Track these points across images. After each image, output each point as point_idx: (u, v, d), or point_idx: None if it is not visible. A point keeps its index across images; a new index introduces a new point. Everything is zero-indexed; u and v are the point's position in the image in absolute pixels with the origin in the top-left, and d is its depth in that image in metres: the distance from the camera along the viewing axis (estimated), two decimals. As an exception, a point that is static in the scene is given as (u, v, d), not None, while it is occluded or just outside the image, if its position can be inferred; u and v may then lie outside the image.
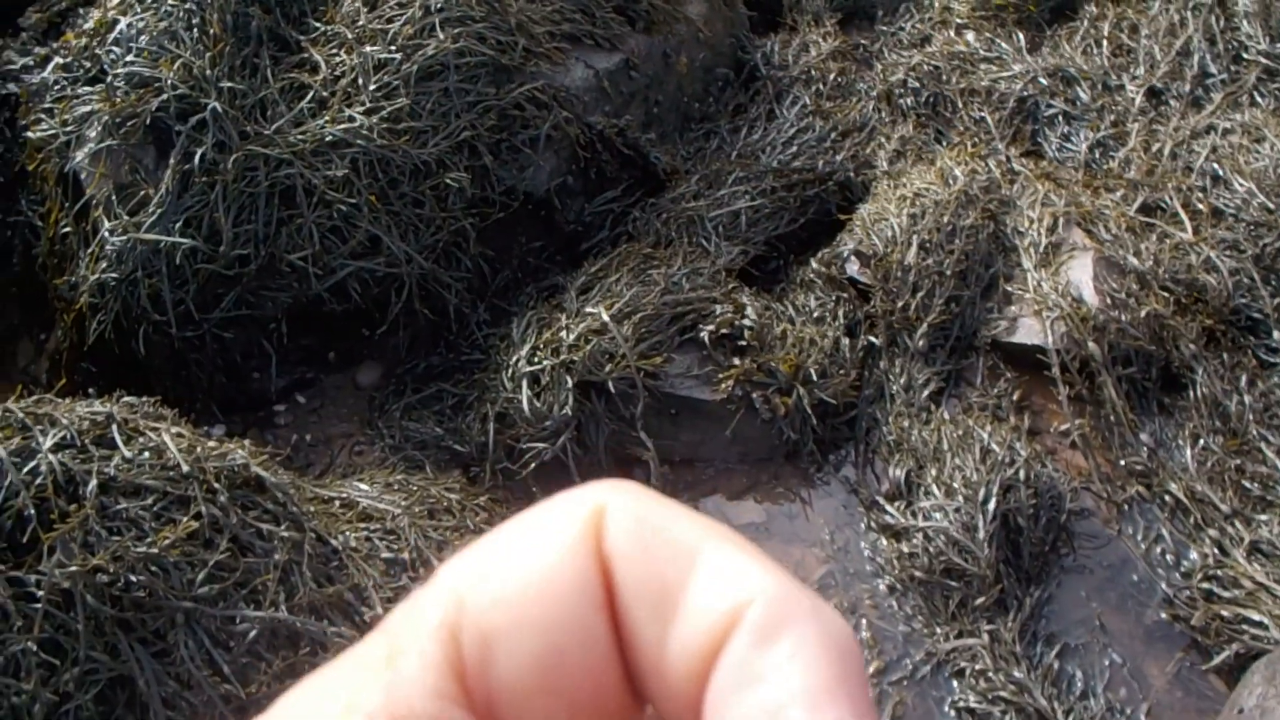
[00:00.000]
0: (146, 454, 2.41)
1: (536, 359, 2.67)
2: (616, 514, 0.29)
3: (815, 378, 2.63)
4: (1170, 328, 2.61)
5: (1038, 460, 2.50)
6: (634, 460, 2.67)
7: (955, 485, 2.44)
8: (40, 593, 2.18)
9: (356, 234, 2.82)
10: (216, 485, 2.40)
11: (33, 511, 2.25)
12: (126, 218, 2.82)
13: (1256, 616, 2.21)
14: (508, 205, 2.94)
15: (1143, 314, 2.61)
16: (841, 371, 2.67)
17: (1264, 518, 2.37)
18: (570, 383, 2.60)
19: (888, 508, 2.51)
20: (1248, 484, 2.44)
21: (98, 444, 2.39)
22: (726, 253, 2.87)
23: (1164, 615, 2.35)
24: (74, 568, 2.23)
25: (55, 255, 3.08)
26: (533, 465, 2.61)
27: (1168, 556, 2.42)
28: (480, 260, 2.96)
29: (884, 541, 2.50)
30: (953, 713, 2.25)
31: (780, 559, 2.54)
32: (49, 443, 2.32)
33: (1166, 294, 2.66)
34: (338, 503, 2.60)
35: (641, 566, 0.28)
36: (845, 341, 2.71)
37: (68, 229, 2.99)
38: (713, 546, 0.28)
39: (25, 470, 2.27)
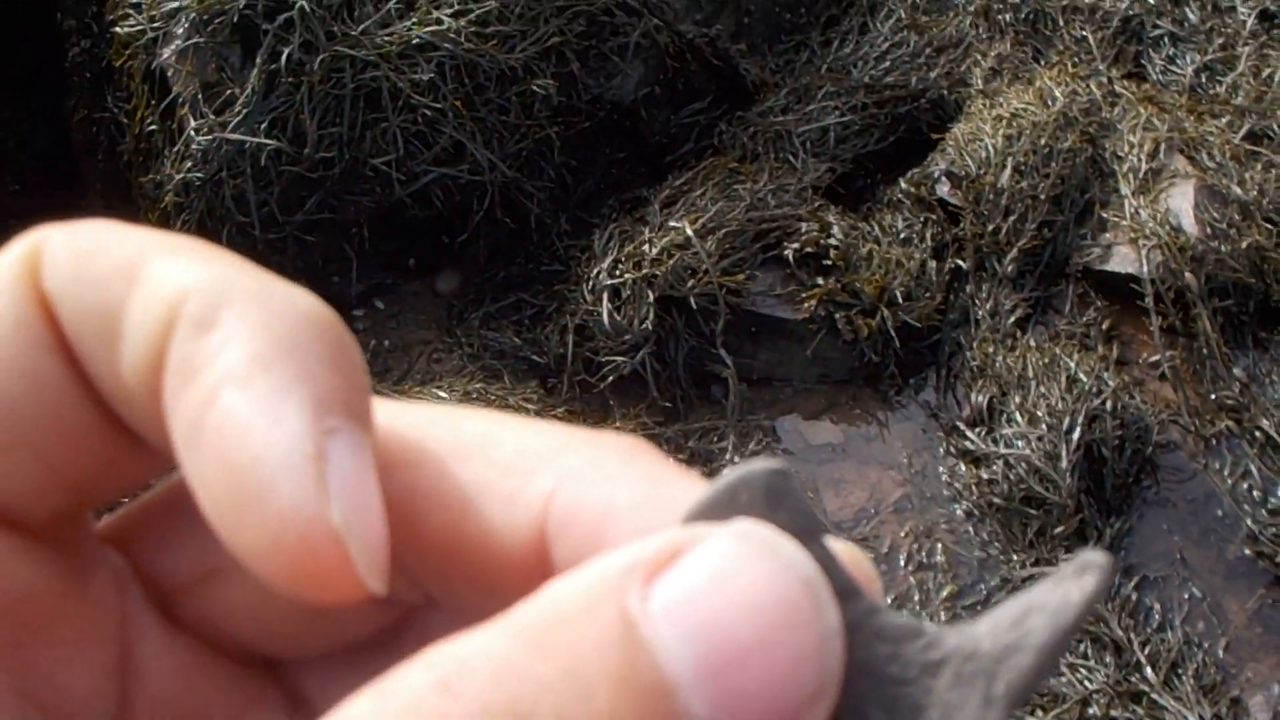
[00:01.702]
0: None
1: (618, 272, 2.65)
2: (52, 248, 0.26)
3: (900, 300, 2.59)
4: (1272, 260, 2.53)
5: (1125, 391, 2.45)
6: (713, 377, 2.66)
7: (1039, 413, 2.40)
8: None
9: (440, 140, 2.80)
10: (300, 386, 2.43)
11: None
12: (212, 117, 2.83)
13: (1346, 558, 2.17)
14: (593, 114, 2.91)
15: (1244, 245, 2.53)
16: (927, 294, 2.63)
17: (1359, 458, 2.31)
18: (651, 297, 2.59)
19: (968, 433, 2.48)
20: (1343, 423, 2.38)
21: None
22: (813, 170, 2.81)
23: (1247, 551, 2.32)
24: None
25: (140, 153, 3.10)
26: (610, 379, 2.61)
27: (1254, 493, 2.37)
28: (564, 170, 2.93)
29: (962, 467, 2.47)
30: (1028, 640, 2.24)
31: (856, 480, 2.54)
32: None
33: (1270, 225, 2.57)
34: (418, 408, 2.62)
35: (80, 294, 0.26)
36: (932, 264, 2.66)
37: (153, 127, 3.01)
38: (154, 255, 0.26)
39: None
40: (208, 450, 0.24)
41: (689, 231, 2.63)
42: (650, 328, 2.58)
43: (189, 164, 2.86)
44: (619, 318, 2.61)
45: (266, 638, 0.31)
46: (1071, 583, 0.23)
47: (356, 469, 0.24)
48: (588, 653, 0.21)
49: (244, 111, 2.81)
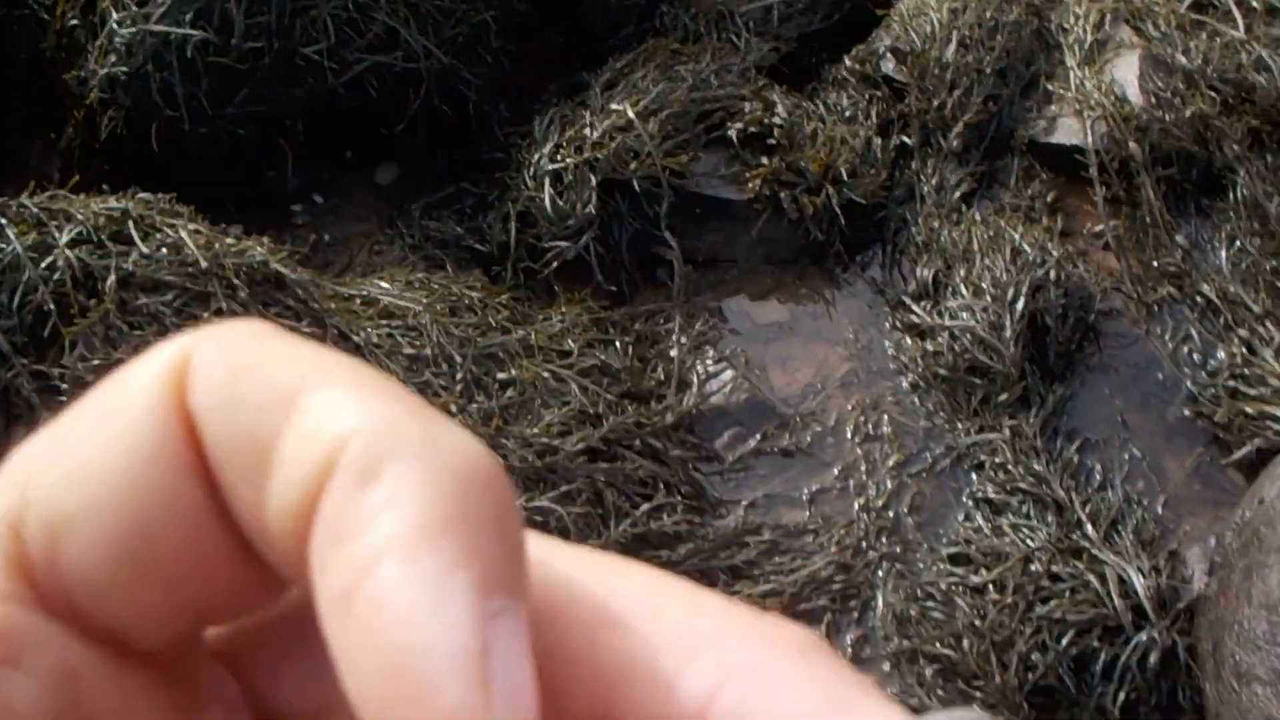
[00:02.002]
0: (164, 250, 2.38)
1: (559, 157, 2.61)
2: (203, 362, 0.24)
3: (845, 177, 2.58)
4: (1215, 128, 2.54)
5: (1069, 261, 2.46)
6: (657, 260, 2.64)
7: (984, 285, 2.41)
8: (64, 385, 2.18)
9: (373, 27, 2.73)
10: (236, 281, 2.38)
11: (52, 307, 2.24)
12: (135, 8, 2.73)
13: (1282, 414, 2.21)
14: (529, -3, 2.84)
15: (1188, 114, 2.53)
16: (872, 171, 2.61)
17: (1296, 319, 2.34)
18: (594, 181, 2.55)
19: (914, 307, 2.48)
20: (1281, 285, 2.41)
21: (114, 240, 2.36)
22: (757, 49, 2.77)
23: (1186, 412, 2.35)
24: (96, 361, 2.23)
25: (63, 50, 3.00)
26: (555, 264, 2.58)
27: (1194, 356, 2.40)
28: (502, 56, 2.87)
29: (908, 340, 2.48)
30: (970, 503, 2.28)
31: (803, 357, 2.54)
32: (65, 238, 2.29)
33: (1214, 94, 2.57)
34: (358, 300, 2.59)
35: (230, 418, 0.24)
36: (877, 141, 2.65)
37: (74, 21, 2.90)
38: (316, 385, 0.23)
39: (43, 265, 2.25)
40: (360, 627, 0.22)
41: (631, 114, 2.59)
42: (593, 212, 2.55)
43: (113, 58, 2.77)
44: (561, 203, 2.58)
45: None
46: None
47: (518, 661, 0.22)
48: None
49: (168, 2, 2.72)
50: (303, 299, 2.47)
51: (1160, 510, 2.26)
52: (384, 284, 2.63)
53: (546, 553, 0.25)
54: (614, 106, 2.61)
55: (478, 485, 0.23)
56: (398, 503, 0.22)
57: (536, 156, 2.65)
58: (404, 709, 0.21)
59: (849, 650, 2.18)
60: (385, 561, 0.21)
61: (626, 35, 2.89)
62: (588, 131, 2.60)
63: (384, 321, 2.54)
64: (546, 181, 2.60)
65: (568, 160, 2.60)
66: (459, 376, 2.43)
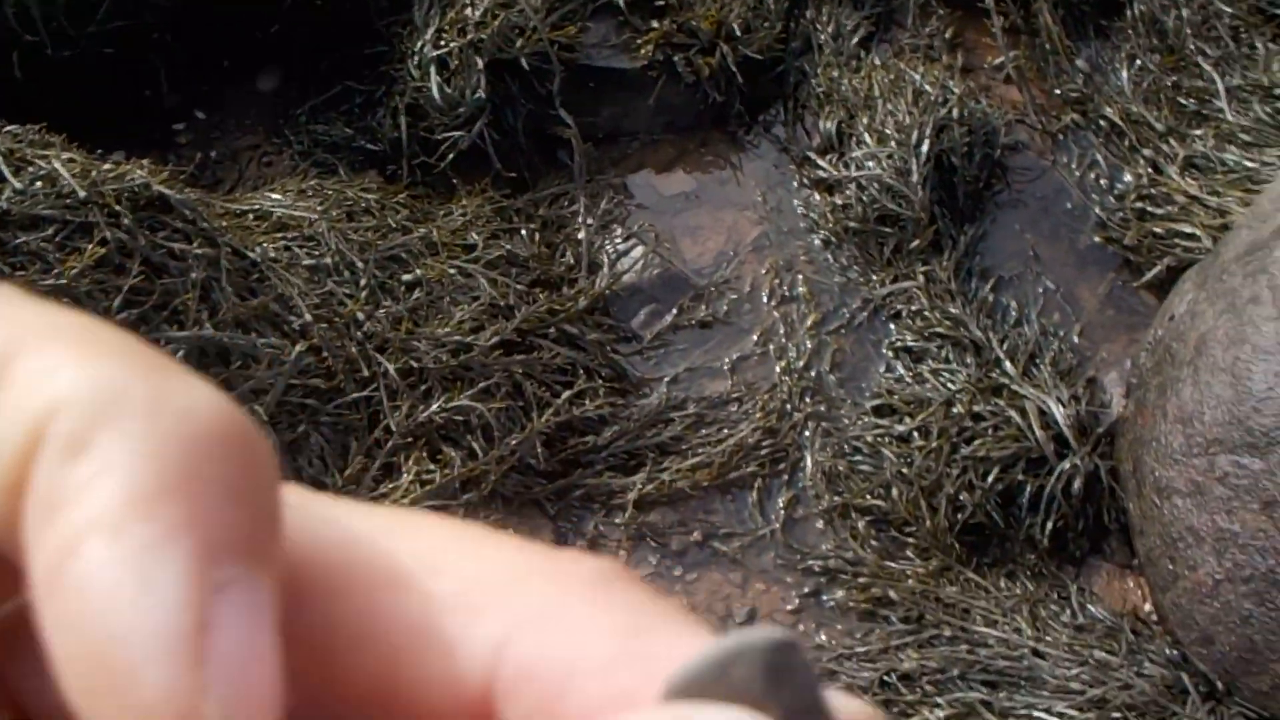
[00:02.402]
0: (39, 183, 2.28)
1: (442, 41, 2.51)
2: None
3: (739, 33, 2.50)
4: (1105, -56, 2.48)
5: (971, 97, 2.42)
6: (556, 140, 2.56)
7: (887, 131, 2.36)
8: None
9: (230, -76, 2.58)
10: (118, 208, 2.29)
11: (-74, 250, 2.14)
12: (-25, -72, 2.57)
13: (1189, 229, 2.20)
14: (392, -124, 2.69)
15: (1077, -68, 2.47)
16: (766, 24, 2.53)
17: (1198, 132, 2.32)
18: (480, 64, 2.46)
19: (820, 162, 2.44)
20: (1183, 100, 2.38)
21: (-14, 177, 2.25)
22: (635, -91, 2.66)
23: (1096, 239, 2.34)
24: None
25: (-90, -18, 2.83)
26: (450, 156, 2.50)
27: (1101, 181, 2.38)
28: (371, -58, 2.74)
29: (817, 196, 2.44)
30: (890, 353, 2.26)
31: (713, 225, 2.49)
32: (-70, 178, 2.19)
33: (1101, -92, 2.51)
34: (251, 215, 2.50)
35: None
36: (766, -7, 2.56)
37: (-84, -50, 2.73)
38: (31, 344, 0.21)
39: (-91, 208, 2.15)
40: (64, 613, 0.19)
41: (510, -12, 2.48)
42: (484, 96, 2.46)
43: (-40, -15, 2.61)
44: (450, 90, 2.48)
45: None
46: None
47: (249, 637, 0.19)
48: None
49: (10, -81, 2.56)
50: (191, 219, 2.38)
51: (1076, 339, 2.26)
52: (276, 195, 2.54)
53: (326, 513, 0.24)
54: (492, -17, 2.50)
55: (209, 445, 0.21)
56: (108, 472, 0.19)
57: (419, 44, 2.55)
58: (105, 701, 0.19)
59: (781, 512, 2.18)
60: (89, 539, 0.19)
61: (501, -93, 2.76)
62: (469, 11, 2.50)
63: (279, 234, 2.46)
64: (432, 70, 2.50)
65: (451, 44, 2.50)
66: (362, 283, 2.37)
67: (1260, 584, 1.76)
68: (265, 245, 2.41)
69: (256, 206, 2.50)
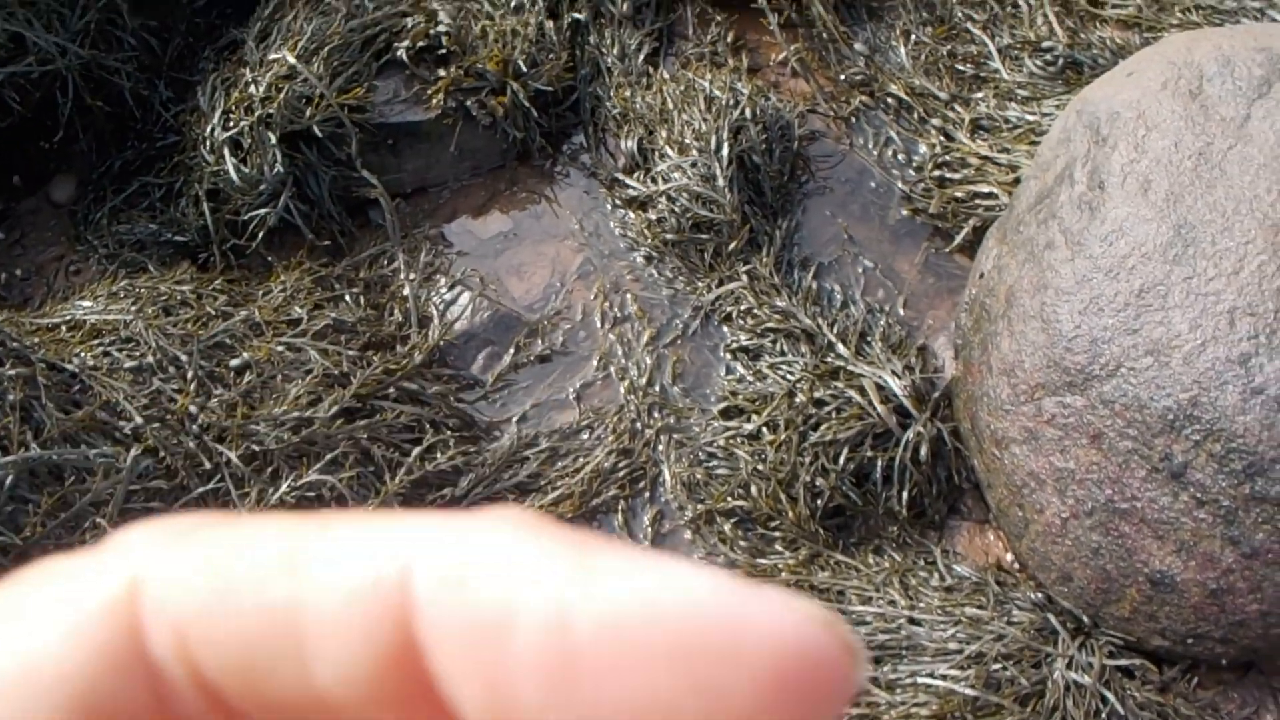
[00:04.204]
0: None
1: (231, 122, 2.47)
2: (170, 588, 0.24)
3: (526, 69, 2.51)
4: (862, -70, 2.57)
5: (761, 95, 2.47)
6: (366, 202, 2.54)
7: (687, 141, 2.40)
8: None
9: (-8, 36, 2.50)
10: (-80, 342, 2.20)
11: None
12: None
13: (986, 189, 2.28)
14: (153, -35, 2.65)
15: (833, -78, 2.55)
16: (551, 56, 2.55)
17: (979, 95, 2.41)
18: (273, 138, 2.42)
19: (628, 181, 2.46)
20: (961, 67, 2.47)
21: None
22: (405, -38, 2.65)
23: (905, 212, 2.41)
24: None
25: None
26: (260, 234, 2.46)
27: (899, 156, 2.45)
28: (144, 34, 2.68)
29: (631, 215, 2.46)
30: (728, 355, 2.29)
31: (536, 260, 2.49)
32: None
33: (852, -103, 2.59)
34: (64, 326, 2.42)
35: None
36: (549, 24, 2.58)
37: None
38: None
39: None
40: None
41: (291, 59, 2.45)
42: (282, 170, 2.43)
43: None
44: (247, 169, 2.44)
45: None
46: None
47: None
48: None
49: None
50: (0, 340, 2.29)
51: (902, 311, 2.32)
52: (87, 303, 2.46)
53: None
54: (272, 56, 2.47)
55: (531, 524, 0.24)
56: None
57: (209, 129, 2.50)
58: None
59: (649, 529, 2.18)
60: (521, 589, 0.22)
61: (270, -20, 2.73)
62: (253, 89, 2.46)
63: (96, 341, 2.38)
64: (226, 152, 2.46)
65: (241, 124, 2.45)
66: (190, 375, 2.31)
67: (1102, 515, 1.82)
68: (83, 354, 2.33)
69: (68, 317, 2.42)
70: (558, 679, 0.21)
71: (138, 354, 2.35)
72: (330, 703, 0.23)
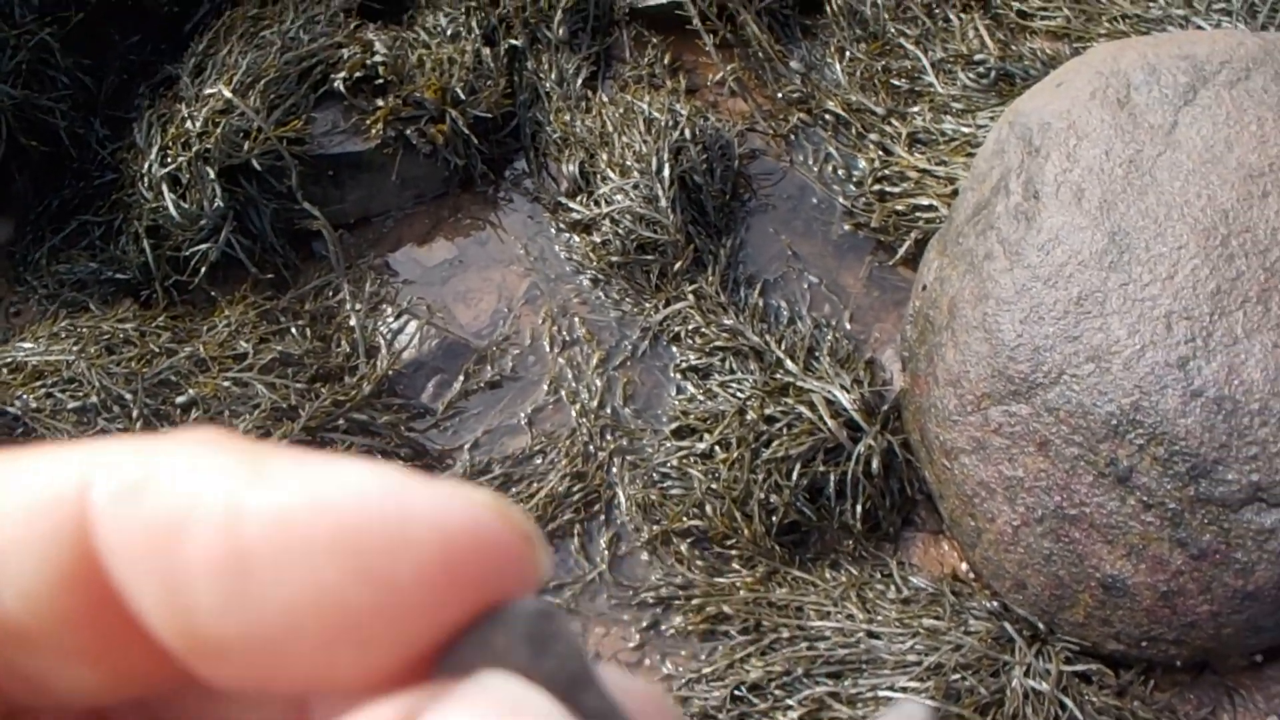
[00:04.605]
0: None
1: (169, 159, 2.44)
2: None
3: (465, 96, 2.51)
4: (793, -50, 2.59)
5: (700, 115, 2.48)
6: (309, 234, 2.52)
7: (629, 163, 2.40)
8: None
9: (-80, 79, 2.46)
10: None
11: None
12: None
13: (926, 201, 2.31)
14: (84, 2, 2.62)
15: (764, -58, 2.57)
16: (489, 83, 2.55)
17: (915, 109, 2.44)
18: (212, 173, 2.40)
19: (571, 204, 2.46)
20: (896, 81, 2.50)
21: None
22: (340, -8, 2.65)
23: (847, 227, 2.43)
24: None
25: None
26: (202, 269, 2.43)
27: (839, 171, 2.47)
28: (77, 73, 2.65)
29: (576, 238, 2.46)
30: (678, 375, 2.30)
31: (482, 286, 2.49)
32: None
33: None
34: (4, 369, 2.38)
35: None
36: (486, 51, 2.58)
37: None
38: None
39: None
40: None
41: (227, 93, 2.44)
42: (222, 204, 2.40)
43: None
44: (186, 205, 2.42)
45: None
46: None
47: None
48: None
49: None
50: (-63, 389, 2.26)
51: (849, 326, 2.34)
52: (28, 344, 2.42)
53: None
54: (208, 91, 2.45)
55: None
56: None
57: (146, 165, 2.47)
58: None
59: (605, 553, 2.18)
60: None
61: (204, 15, 2.71)
62: (189, 124, 2.44)
63: (38, 383, 2.34)
64: (164, 188, 2.43)
65: (179, 159, 2.43)
66: (135, 414, 2.28)
67: (1052, 521, 1.84)
68: (25, 397, 2.30)
69: (8, 359, 2.38)
70: (231, 577, 0.21)
71: (81, 394, 2.31)
72: (19, 627, 0.23)
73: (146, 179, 2.47)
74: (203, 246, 2.43)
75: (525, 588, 0.22)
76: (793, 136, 2.51)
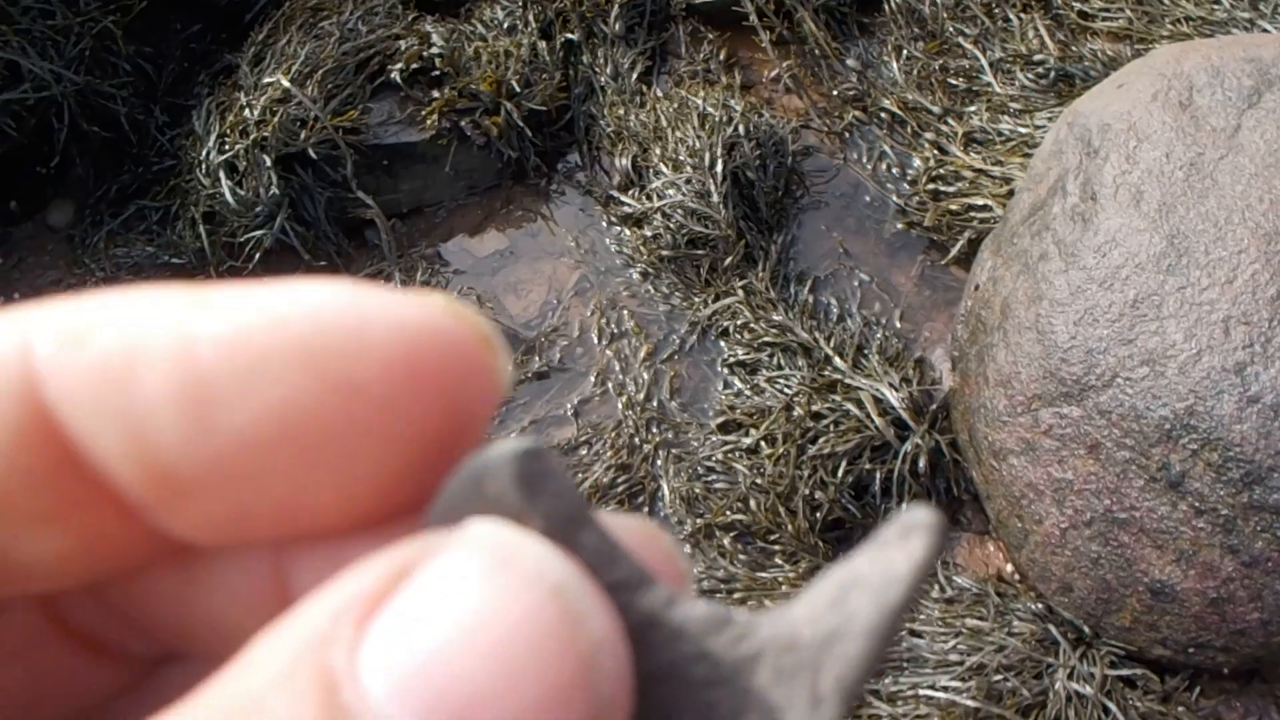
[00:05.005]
0: None
1: (226, 146, 2.48)
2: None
3: (519, 89, 2.52)
4: (852, -53, 2.58)
5: (754, 112, 2.48)
6: (362, 223, 2.55)
7: (681, 157, 2.41)
8: None
9: (-12, 63, 2.51)
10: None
11: None
12: None
13: (980, 201, 2.29)
14: (148, -10, 2.66)
15: (823, -61, 2.57)
16: (545, 76, 2.56)
17: (972, 109, 2.42)
18: (268, 160, 2.43)
19: (623, 198, 2.47)
20: (953, 81, 2.48)
21: None
22: (398, -16, 2.67)
23: (899, 225, 2.42)
24: None
25: None
26: (256, 256, 2.46)
27: (893, 170, 2.46)
28: (139, 60, 2.69)
29: (627, 232, 2.47)
30: (725, 370, 2.30)
31: (533, 278, 2.50)
32: None
33: (842, -87, 2.61)
34: (62, 351, 2.42)
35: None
36: (542, 45, 2.59)
37: None
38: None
39: None
40: None
41: (285, 83, 2.46)
42: (278, 192, 2.43)
43: None
44: (243, 191, 2.45)
45: None
46: (896, 550, 0.19)
47: None
48: None
49: None
50: None
51: (898, 324, 2.33)
52: (84, 328, 2.47)
53: None
54: (266, 80, 2.49)
55: None
56: None
57: (205, 152, 2.51)
58: None
59: (648, 546, 2.19)
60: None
61: (263, 5, 2.75)
62: (248, 113, 2.47)
63: (95, 366, 2.38)
64: (221, 174, 2.46)
65: (236, 147, 2.46)
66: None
67: (1101, 525, 1.82)
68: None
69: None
70: (191, 405, 0.20)
71: (136, 378, 2.35)
72: None
73: (204, 165, 2.51)
74: (257, 233, 2.46)
75: (488, 393, 0.21)
76: (847, 134, 2.50)
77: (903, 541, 0.20)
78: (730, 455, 2.21)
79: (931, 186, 2.38)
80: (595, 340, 2.40)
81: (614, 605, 0.19)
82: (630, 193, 2.47)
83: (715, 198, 2.35)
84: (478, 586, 0.18)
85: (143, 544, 0.23)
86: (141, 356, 0.21)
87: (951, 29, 2.53)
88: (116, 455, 0.21)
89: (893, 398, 2.15)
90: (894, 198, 2.43)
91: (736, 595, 2.10)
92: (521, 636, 0.17)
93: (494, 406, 0.22)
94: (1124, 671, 1.88)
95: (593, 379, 2.36)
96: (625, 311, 2.41)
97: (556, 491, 0.20)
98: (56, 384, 0.21)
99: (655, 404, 2.32)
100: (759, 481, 2.15)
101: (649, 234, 2.42)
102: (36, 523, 0.22)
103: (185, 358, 0.20)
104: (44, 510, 0.22)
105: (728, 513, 2.16)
